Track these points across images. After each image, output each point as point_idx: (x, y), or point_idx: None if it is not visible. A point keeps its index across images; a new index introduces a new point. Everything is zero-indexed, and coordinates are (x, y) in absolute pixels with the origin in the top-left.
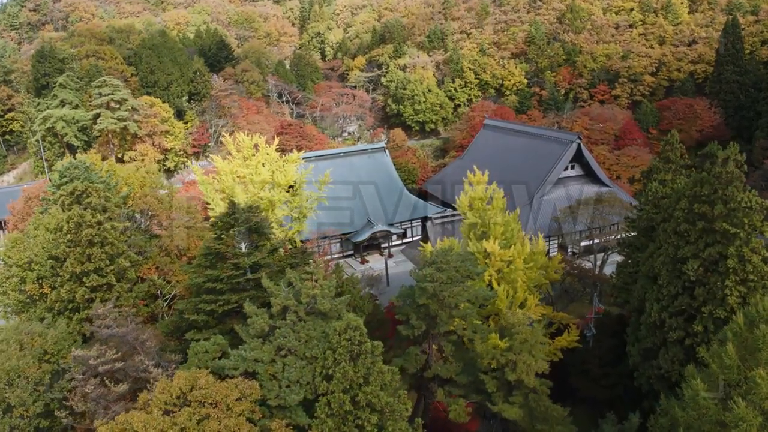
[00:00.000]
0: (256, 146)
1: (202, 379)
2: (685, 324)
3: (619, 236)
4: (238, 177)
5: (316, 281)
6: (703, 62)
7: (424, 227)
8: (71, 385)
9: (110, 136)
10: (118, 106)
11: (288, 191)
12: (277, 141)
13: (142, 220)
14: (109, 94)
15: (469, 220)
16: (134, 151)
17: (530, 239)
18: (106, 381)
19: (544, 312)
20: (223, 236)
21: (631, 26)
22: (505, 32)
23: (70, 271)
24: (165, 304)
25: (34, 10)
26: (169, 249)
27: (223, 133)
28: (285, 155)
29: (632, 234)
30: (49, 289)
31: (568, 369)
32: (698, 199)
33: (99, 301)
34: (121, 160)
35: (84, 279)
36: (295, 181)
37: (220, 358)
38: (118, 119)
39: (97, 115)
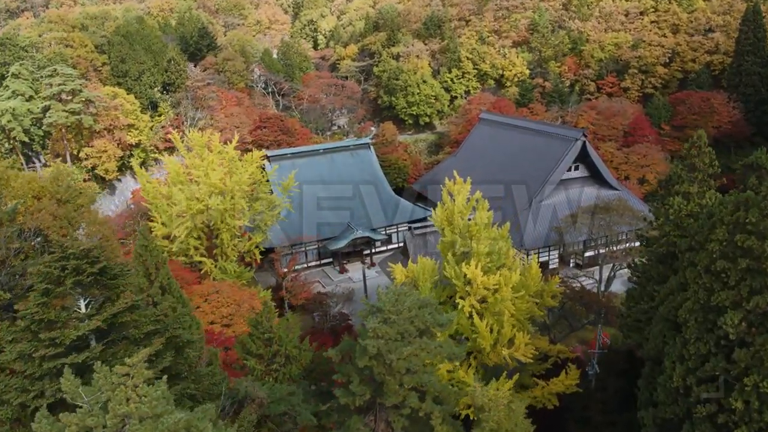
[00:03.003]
0: (208, 144)
1: None
2: (719, 394)
3: (628, 245)
4: (189, 178)
5: (135, 388)
6: (721, 52)
7: None
8: None
9: (64, 131)
10: (70, 97)
11: (251, 194)
12: (236, 138)
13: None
14: (60, 85)
15: (447, 238)
16: (91, 147)
17: (522, 258)
18: None
19: (539, 347)
20: (50, 292)
21: (642, 13)
22: (507, 19)
23: None
24: None
25: None
26: None
27: (172, 131)
28: (246, 154)
29: (645, 254)
30: None
31: (566, 415)
32: (742, 227)
33: None
34: (77, 158)
35: None
36: (254, 184)
37: None
38: (70, 112)
39: (47, 108)
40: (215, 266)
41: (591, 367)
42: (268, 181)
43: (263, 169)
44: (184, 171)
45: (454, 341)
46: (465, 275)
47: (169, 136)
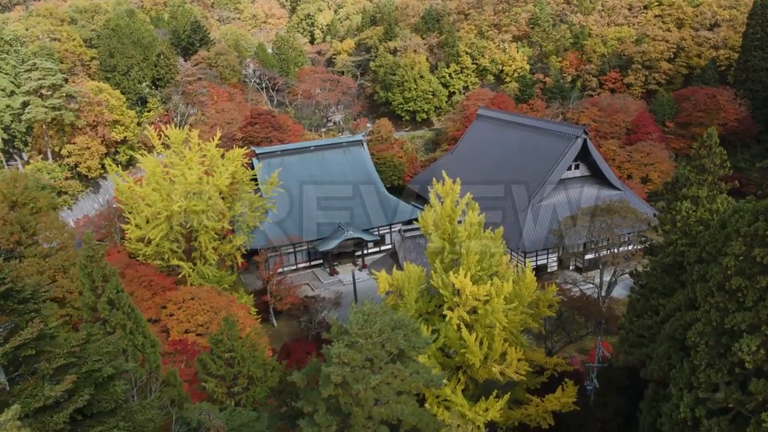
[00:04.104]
0: (187, 141)
1: None
2: (731, 429)
3: (631, 247)
4: (169, 178)
5: None
6: (727, 48)
7: None
8: None
9: (45, 127)
10: (50, 92)
11: (235, 194)
12: (219, 135)
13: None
14: (39, 79)
15: (435, 244)
16: (73, 144)
17: (520, 261)
18: None
19: (534, 359)
20: None
21: (645, 7)
22: (507, 13)
23: None
24: None
25: None
26: None
27: (149, 127)
28: (229, 150)
29: (650, 263)
30: None
31: None
32: (761, 240)
33: None
34: (58, 155)
35: None
36: (235, 183)
37: None
38: (50, 108)
39: (26, 104)
40: (193, 270)
41: (590, 381)
42: (254, 179)
43: (252, 167)
44: (163, 170)
45: (442, 355)
46: (453, 285)
47: (156, 131)
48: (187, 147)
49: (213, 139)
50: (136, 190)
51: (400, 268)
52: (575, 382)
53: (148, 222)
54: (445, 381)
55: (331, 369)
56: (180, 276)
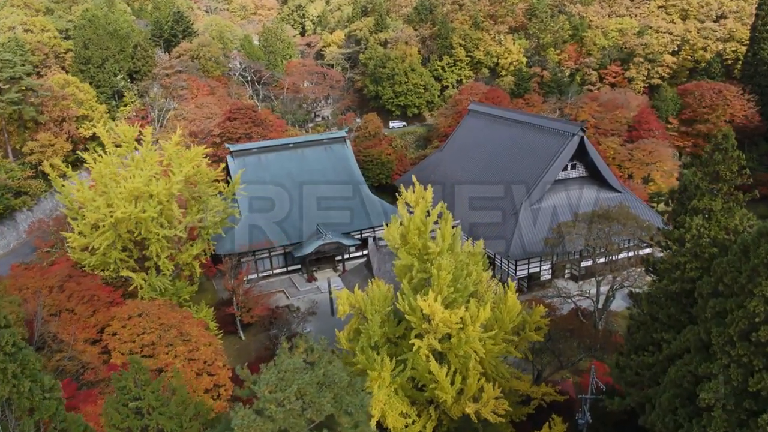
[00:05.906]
0: (141, 139)
1: None
2: None
3: (630, 254)
4: (118, 180)
5: None
6: (734, 40)
7: None
8: None
9: (4, 122)
10: (8, 86)
11: (199, 197)
12: (180, 131)
13: None
14: None
15: (403, 261)
16: (35, 141)
17: (510, 269)
18: None
19: (518, 389)
20: None
21: None
22: (503, 3)
23: None
24: None
25: None
26: None
27: (114, 123)
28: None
29: (654, 288)
30: None
31: None
32: None
33: None
34: (19, 153)
35: None
36: (192, 185)
37: None
38: (8, 102)
39: None
40: (146, 282)
41: (582, 414)
42: (226, 180)
43: (225, 165)
44: (114, 172)
45: (412, 387)
46: (422, 310)
47: (119, 127)
48: (138, 145)
49: (175, 136)
50: (79, 195)
51: (358, 288)
52: (566, 414)
53: (97, 229)
54: (411, 420)
55: None
56: (131, 288)
